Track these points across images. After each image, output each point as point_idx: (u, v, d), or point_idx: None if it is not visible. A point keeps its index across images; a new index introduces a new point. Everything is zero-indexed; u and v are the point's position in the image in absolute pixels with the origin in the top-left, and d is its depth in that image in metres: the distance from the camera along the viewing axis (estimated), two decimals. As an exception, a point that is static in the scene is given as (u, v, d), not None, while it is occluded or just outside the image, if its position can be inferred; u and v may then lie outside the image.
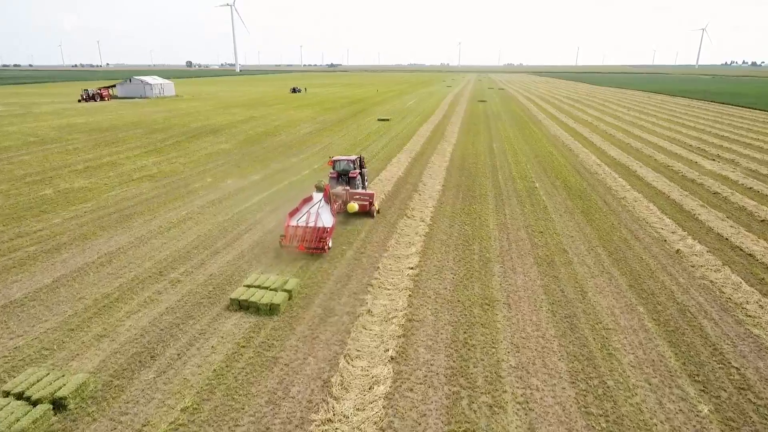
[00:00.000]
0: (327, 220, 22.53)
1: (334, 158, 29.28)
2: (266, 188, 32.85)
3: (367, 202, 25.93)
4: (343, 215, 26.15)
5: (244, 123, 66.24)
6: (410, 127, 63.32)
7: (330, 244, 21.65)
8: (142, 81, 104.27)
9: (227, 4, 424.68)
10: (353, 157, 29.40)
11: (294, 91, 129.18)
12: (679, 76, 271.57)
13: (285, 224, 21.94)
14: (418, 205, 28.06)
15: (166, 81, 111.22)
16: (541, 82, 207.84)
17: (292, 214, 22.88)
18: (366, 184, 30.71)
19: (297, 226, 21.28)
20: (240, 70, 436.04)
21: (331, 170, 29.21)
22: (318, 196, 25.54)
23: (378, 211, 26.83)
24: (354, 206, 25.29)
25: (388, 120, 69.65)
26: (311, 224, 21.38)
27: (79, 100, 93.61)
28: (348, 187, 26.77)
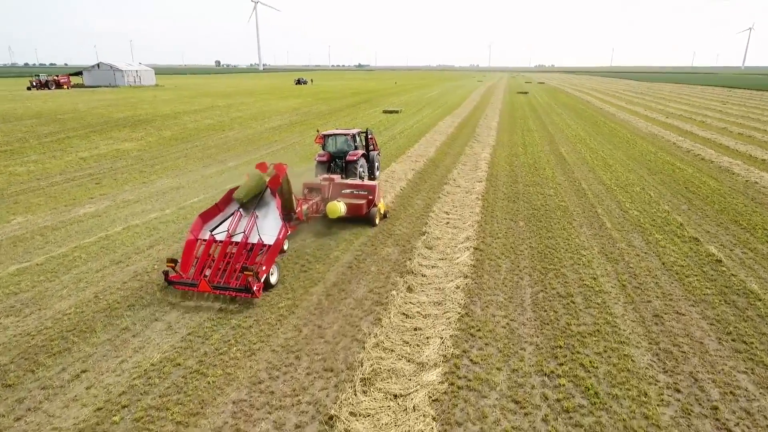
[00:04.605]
0: (270, 230, 11.32)
1: (323, 133, 19.95)
2: (75, 237, 14.09)
3: (363, 200, 15.00)
4: (321, 222, 15.11)
5: (194, 113, 47.98)
6: (425, 121, 43.67)
7: (274, 278, 10.79)
8: (111, 67, 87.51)
9: (252, 1, 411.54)
10: (353, 131, 19.84)
11: (298, 82, 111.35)
12: (733, 76, 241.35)
13: (188, 236, 11.42)
14: (409, 339, 8.55)
15: (145, 68, 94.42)
16: (582, 79, 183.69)
17: (206, 216, 11.76)
18: (377, 173, 21.07)
19: (212, 240, 11.21)
20: (263, 69, 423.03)
21: (320, 151, 19.63)
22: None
23: (385, 216, 15.97)
24: (338, 207, 14.41)
25: (396, 112, 50.23)
26: (237, 237, 11.18)
27: (29, 88, 78.36)
28: (335, 177, 16.30)
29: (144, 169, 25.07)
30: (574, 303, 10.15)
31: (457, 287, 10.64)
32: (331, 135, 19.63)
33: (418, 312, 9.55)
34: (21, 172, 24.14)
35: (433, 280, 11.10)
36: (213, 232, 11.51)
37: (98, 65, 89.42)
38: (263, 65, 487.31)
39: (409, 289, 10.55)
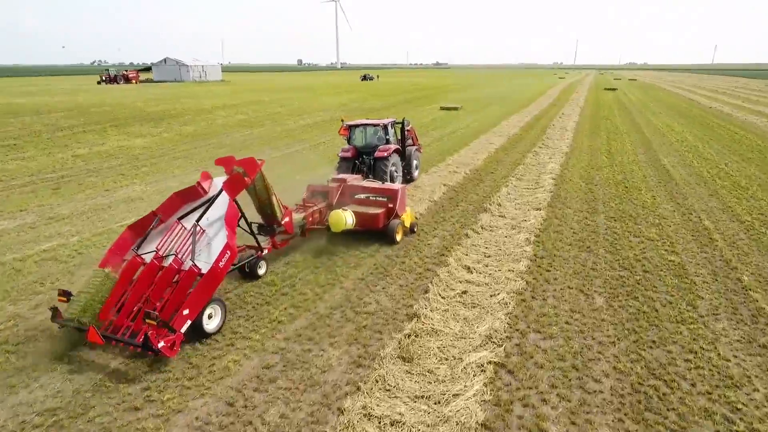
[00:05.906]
0: (213, 250, 7.96)
1: (349, 123, 16.35)
2: None
3: (380, 209, 11.41)
4: (321, 238, 11.67)
5: (230, 108, 44.37)
6: (487, 120, 36.65)
7: (213, 324, 7.60)
8: (177, 63, 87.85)
9: (332, 0, 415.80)
10: (386, 121, 16.08)
11: (364, 78, 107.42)
12: None
13: (105, 256, 8.21)
14: None
15: (212, 64, 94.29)
16: (681, 76, 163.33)
17: (137, 228, 8.68)
18: (415, 173, 17.15)
19: (135, 263, 8.09)
20: (341, 67, 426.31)
21: (344, 146, 15.87)
22: (216, 186, 9.42)
23: (412, 230, 12.08)
24: (342, 218, 10.75)
25: (455, 109, 43.50)
26: (169, 261, 8.01)
27: (99, 82, 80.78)
28: (348, 177, 12.66)
29: (127, 171, 20.88)
30: None
31: None
32: (358, 126, 16.25)
33: None
34: (-4, 170, 20.80)
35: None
36: (137, 250, 8.32)
37: (165, 60, 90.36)
38: (341, 64, 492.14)
39: None
